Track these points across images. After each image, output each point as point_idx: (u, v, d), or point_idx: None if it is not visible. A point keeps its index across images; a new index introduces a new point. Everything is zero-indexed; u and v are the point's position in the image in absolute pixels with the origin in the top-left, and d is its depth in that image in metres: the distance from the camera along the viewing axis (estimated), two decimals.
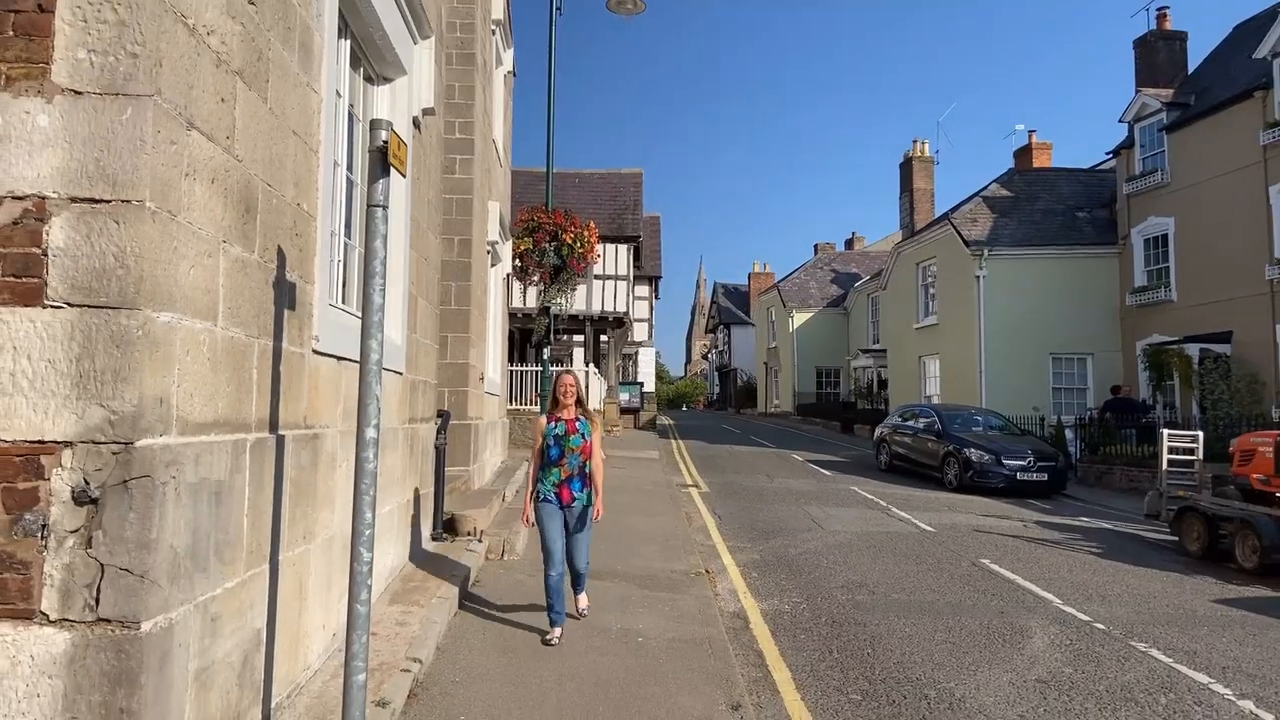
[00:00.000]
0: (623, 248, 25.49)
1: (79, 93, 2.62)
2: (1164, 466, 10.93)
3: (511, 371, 18.78)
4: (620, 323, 26.42)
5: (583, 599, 6.06)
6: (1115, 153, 21.23)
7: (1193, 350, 17.80)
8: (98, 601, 2.54)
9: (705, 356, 78.22)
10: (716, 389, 65.31)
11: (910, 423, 17.75)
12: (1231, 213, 17.55)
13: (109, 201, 2.61)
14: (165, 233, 2.71)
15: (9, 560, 2.52)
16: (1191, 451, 11.10)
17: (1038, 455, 15.08)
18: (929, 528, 11.11)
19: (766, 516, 11.68)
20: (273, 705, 3.61)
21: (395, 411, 6.15)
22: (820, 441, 26.41)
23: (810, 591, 7.55)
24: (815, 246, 49.34)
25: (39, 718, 2.50)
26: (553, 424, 5.59)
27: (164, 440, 2.69)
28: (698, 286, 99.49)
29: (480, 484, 10.70)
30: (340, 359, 4.58)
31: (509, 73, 14.54)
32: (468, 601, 6.31)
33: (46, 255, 2.59)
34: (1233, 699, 5.15)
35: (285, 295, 3.75)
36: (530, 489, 5.62)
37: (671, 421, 37.09)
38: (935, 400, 23.53)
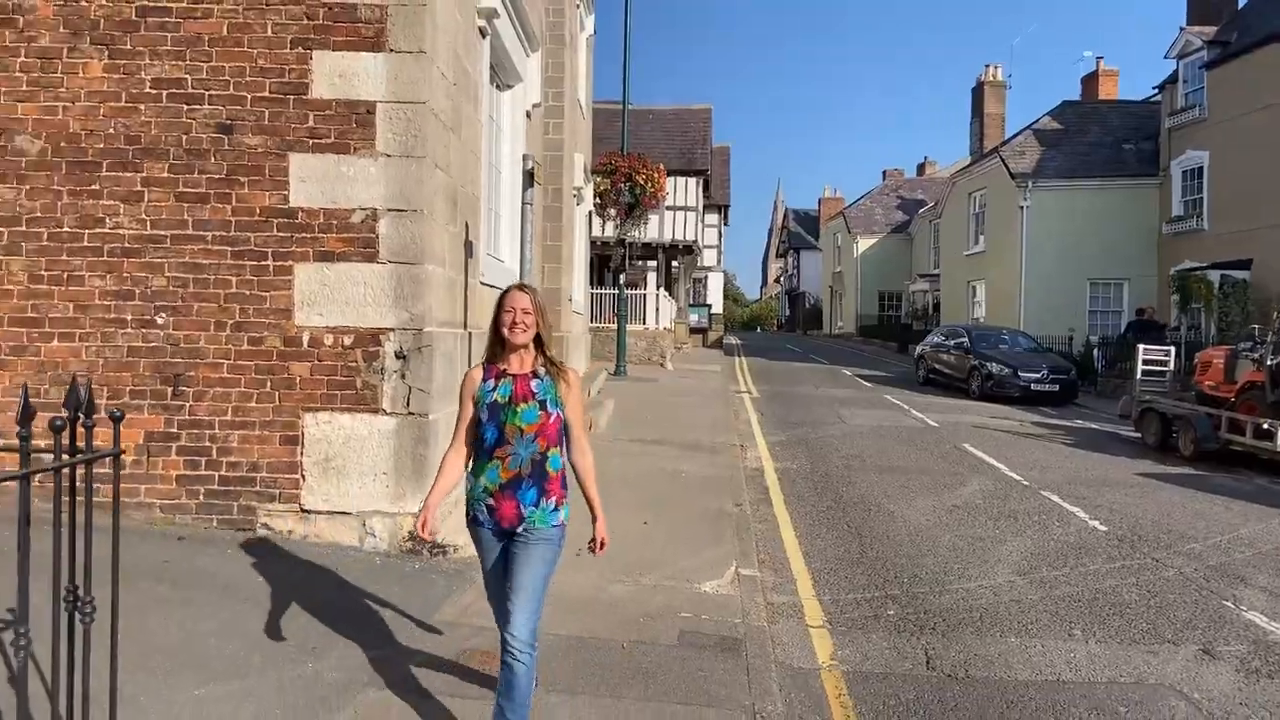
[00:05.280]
0: (692, 180, 27.65)
1: (390, 155, 5.27)
2: (1137, 375, 13.02)
3: (592, 294, 21.48)
4: (690, 250, 28.77)
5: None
6: (1160, 88, 22.26)
7: (1214, 276, 19.28)
8: (408, 404, 5.31)
9: (778, 280, 79.74)
10: (786, 312, 67.16)
11: (945, 341, 19.86)
12: (1261, 148, 18.73)
13: (406, 210, 5.28)
14: (429, 224, 5.38)
15: (368, 385, 5.31)
16: (1165, 364, 13.13)
17: (1052, 369, 17.16)
18: (934, 424, 13.50)
19: (801, 414, 14.23)
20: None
21: None
22: (873, 360, 28.63)
23: (815, 459, 10.14)
24: (884, 173, 50.17)
25: (384, 456, 5.32)
26: (489, 383, 3.05)
27: (431, 329, 5.41)
28: (775, 209, 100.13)
29: None
30: (491, 286, 7.28)
31: (590, 36, 16.80)
32: None
33: (377, 237, 5.29)
34: (1085, 519, 7.57)
35: (468, 250, 6.43)
36: (435, 484, 3.15)
37: (739, 341, 39.64)
38: (981, 322, 25.40)
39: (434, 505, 3.15)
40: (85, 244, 5.28)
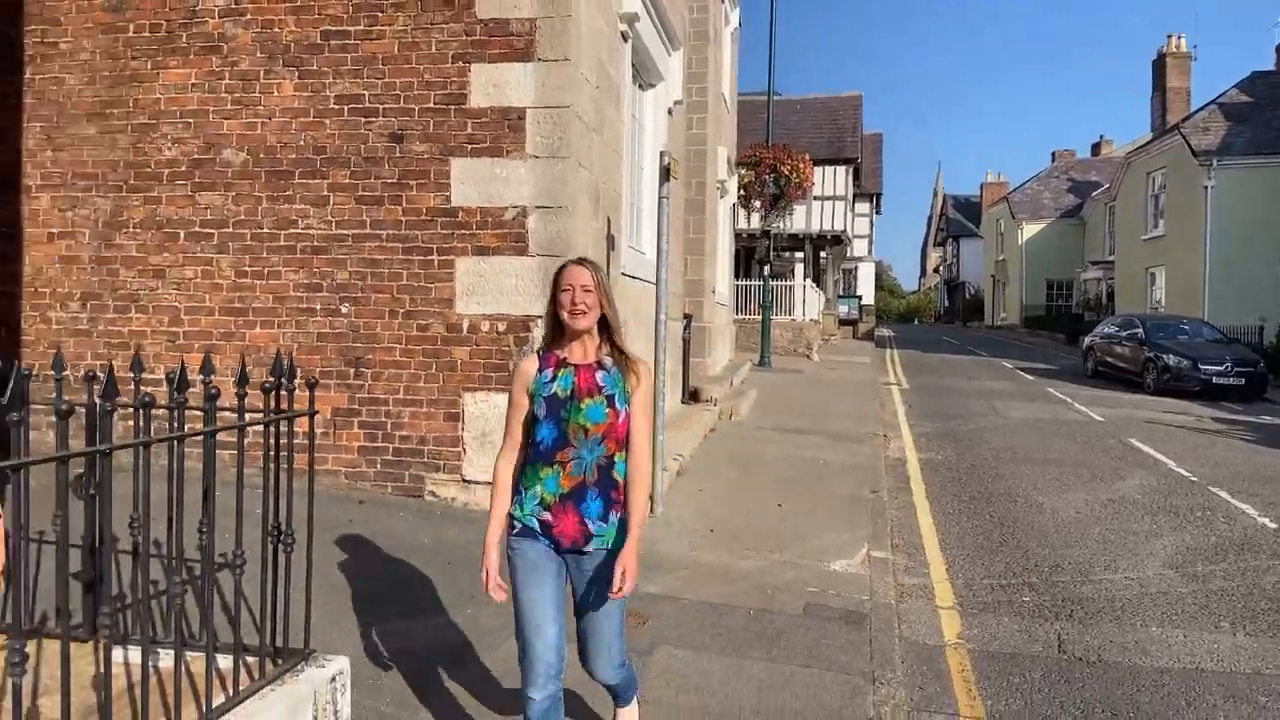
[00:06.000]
0: (841, 169, 27.21)
1: (537, 157, 5.72)
2: None
3: (737, 285, 21.62)
4: (838, 240, 28.34)
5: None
6: None
7: None
8: None
9: (936, 270, 76.64)
10: (945, 303, 64.48)
11: (1118, 331, 18.63)
12: None
13: (551, 207, 5.72)
14: (572, 219, 5.79)
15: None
16: None
17: (1236, 361, 15.77)
18: (1099, 418, 12.79)
19: (952, 406, 13.84)
20: None
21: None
22: (1038, 352, 27.14)
23: (963, 451, 9.92)
24: (1053, 154, 47.19)
25: None
26: (546, 373, 2.58)
27: None
28: (934, 196, 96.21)
29: (713, 372, 13.80)
30: (633, 278, 7.66)
31: (734, 29, 16.95)
32: (708, 437, 9.44)
33: (527, 232, 5.76)
34: (1254, 516, 7.08)
35: (609, 243, 6.82)
36: (492, 510, 2.65)
37: (891, 333, 38.57)
38: (1160, 311, 23.58)
39: (495, 544, 2.59)
40: (281, 243, 6.05)
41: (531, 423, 2.61)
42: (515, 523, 2.60)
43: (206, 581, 2.74)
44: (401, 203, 5.91)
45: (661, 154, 6.11)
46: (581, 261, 2.61)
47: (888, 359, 23.24)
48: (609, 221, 6.70)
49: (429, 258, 5.88)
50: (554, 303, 2.59)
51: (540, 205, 5.72)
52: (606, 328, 2.61)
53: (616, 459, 2.59)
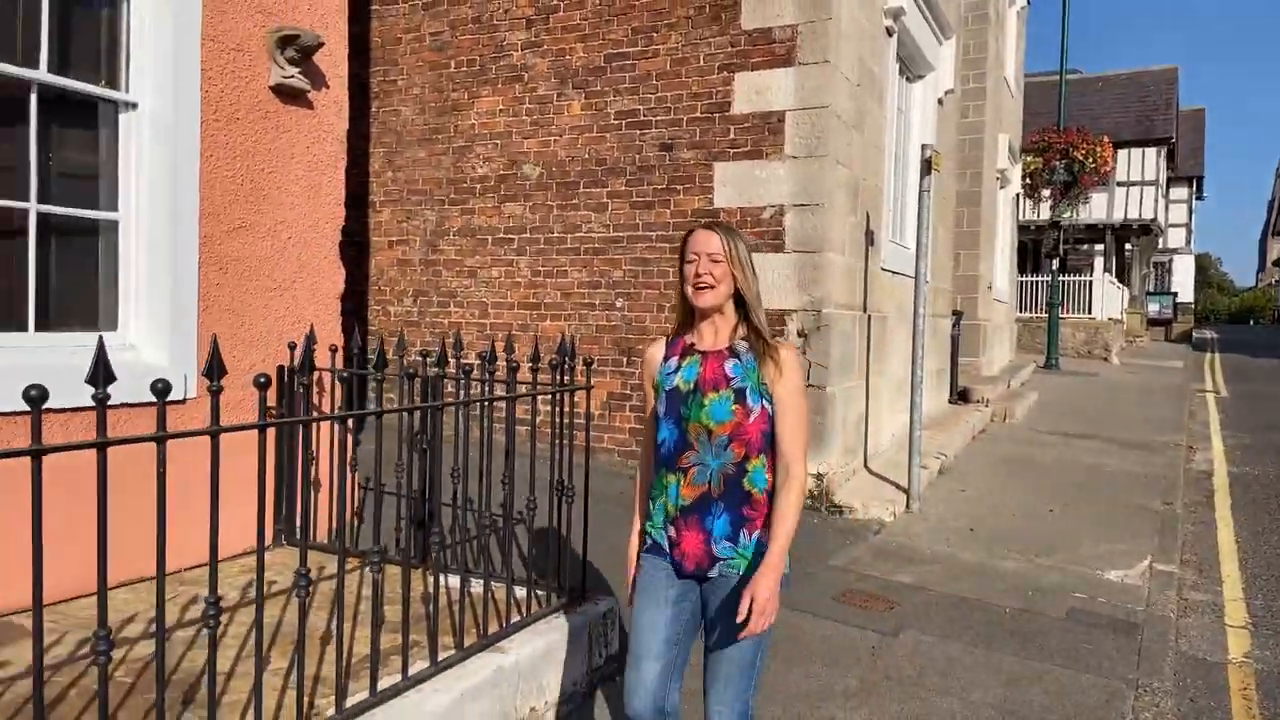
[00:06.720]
0: (1150, 150, 24.32)
1: (795, 157, 5.97)
2: None
3: (1021, 282, 20.18)
4: (1147, 230, 25.35)
5: None
6: None
7: None
8: (809, 377, 5.97)
9: (1278, 263, 65.49)
10: None
11: None
12: None
13: (808, 205, 5.94)
14: (828, 216, 5.96)
15: None
16: None
17: None
18: None
19: None
20: (868, 453, 6.92)
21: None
22: None
23: None
24: None
25: None
26: (671, 361, 2.25)
27: (829, 311, 5.99)
28: (1277, 179, 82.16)
29: (988, 373, 13.11)
30: (893, 273, 7.62)
31: (1021, 8, 15.87)
32: (976, 438, 9.08)
33: (783, 229, 6.03)
34: None
35: (868, 238, 6.87)
36: (638, 516, 2.40)
37: (1215, 335, 33.65)
38: None
39: (635, 556, 2.33)
40: (568, 246, 6.82)
41: (654, 420, 2.24)
42: (647, 536, 2.28)
43: (507, 529, 3.35)
44: (669, 206, 6.43)
45: (923, 147, 6.08)
46: (711, 225, 2.18)
47: (1206, 363, 20.45)
48: (867, 217, 6.76)
49: None
50: (681, 276, 2.19)
51: (797, 203, 5.96)
52: (742, 305, 2.18)
53: (750, 466, 2.13)
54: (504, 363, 3.13)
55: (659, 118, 6.45)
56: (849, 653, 3.84)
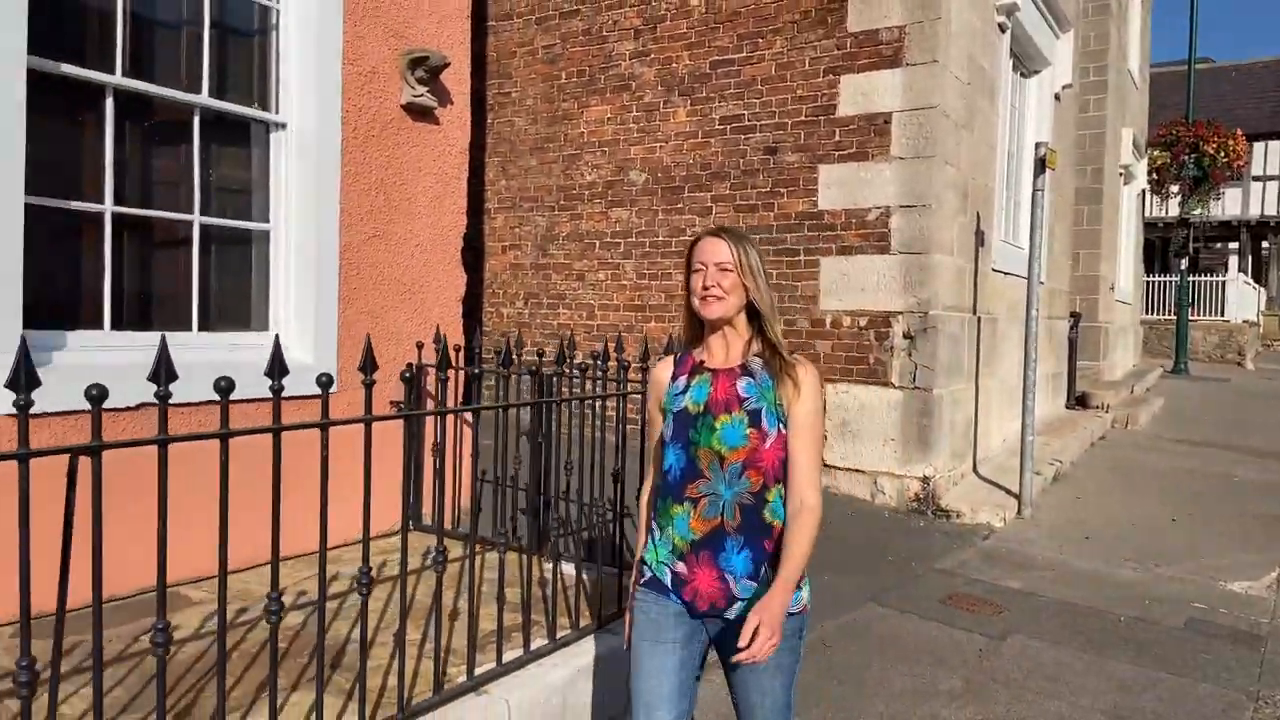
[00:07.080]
0: None
1: (902, 158, 5.95)
2: None
3: (1147, 282, 19.19)
4: None
5: None
6: None
7: None
8: (914, 379, 5.94)
9: None
10: None
11: None
12: None
13: (915, 206, 5.90)
14: (936, 217, 5.91)
15: (879, 361, 6.07)
16: None
17: None
18: None
19: None
20: (977, 457, 6.81)
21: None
22: None
23: None
24: None
25: (891, 424, 6.03)
26: (679, 381, 2.05)
27: (936, 312, 5.94)
28: None
29: (1109, 378, 12.56)
30: (1005, 274, 7.46)
31: None
32: (1095, 445, 8.76)
33: (889, 231, 6.01)
34: None
35: (978, 238, 6.76)
36: (641, 544, 2.13)
37: None
38: None
39: (633, 588, 2.08)
40: (672, 249, 6.98)
41: (660, 448, 2.04)
42: (645, 569, 2.03)
43: (617, 524, 3.53)
44: (773, 209, 6.50)
45: (1037, 145, 5.96)
46: (719, 232, 2.02)
47: None
48: (978, 217, 6.65)
49: (796, 258, 6.40)
50: (688, 286, 2.00)
51: (904, 204, 5.94)
52: (756, 318, 2.00)
53: (769, 496, 1.93)
54: (615, 362, 3.31)
55: (763, 122, 6.53)
56: (954, 654, 3.85)
